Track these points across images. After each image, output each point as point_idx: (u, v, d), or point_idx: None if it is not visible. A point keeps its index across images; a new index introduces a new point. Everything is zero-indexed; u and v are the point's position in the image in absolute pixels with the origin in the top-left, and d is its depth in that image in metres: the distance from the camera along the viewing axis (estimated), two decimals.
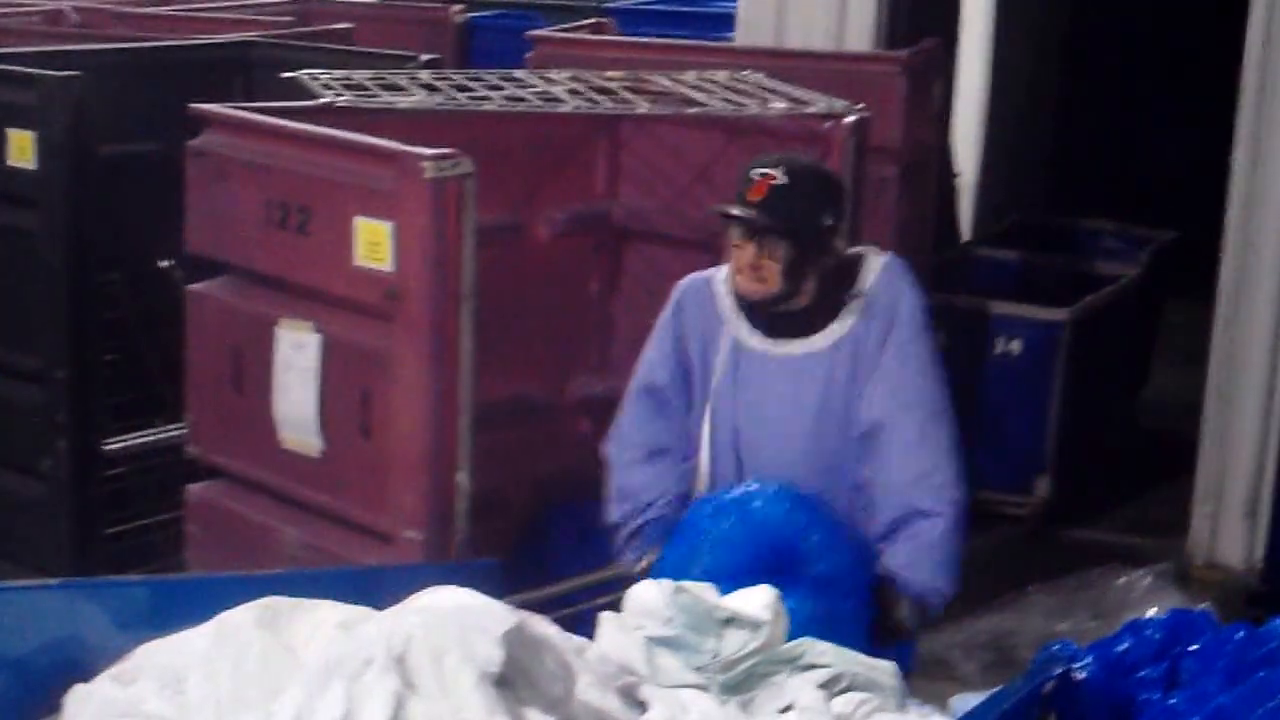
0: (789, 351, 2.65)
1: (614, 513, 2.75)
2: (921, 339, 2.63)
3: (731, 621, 2.15)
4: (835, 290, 2.65)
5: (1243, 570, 4.29)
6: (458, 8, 5.58)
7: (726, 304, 2.70)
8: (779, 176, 2.57)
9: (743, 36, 4.84)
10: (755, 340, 2.67)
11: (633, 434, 2.77)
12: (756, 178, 2.58)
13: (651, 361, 2.76)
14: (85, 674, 2.07)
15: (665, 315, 2.76)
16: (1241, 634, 2.29)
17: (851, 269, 2.68)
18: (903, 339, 2.61)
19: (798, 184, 2.58)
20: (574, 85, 3.53)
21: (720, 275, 2.72)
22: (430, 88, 3.41)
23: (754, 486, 2.51)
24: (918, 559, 2.56)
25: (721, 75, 3.75)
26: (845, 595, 2.44)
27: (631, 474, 2.74)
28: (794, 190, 2.57)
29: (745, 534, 2.41)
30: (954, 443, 2.62)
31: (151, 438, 3.77)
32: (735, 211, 2.58)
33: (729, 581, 2.25)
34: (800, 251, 2.58)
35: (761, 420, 2.67)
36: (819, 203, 2.61)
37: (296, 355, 3.05)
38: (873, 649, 2.31)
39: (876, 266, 2.66)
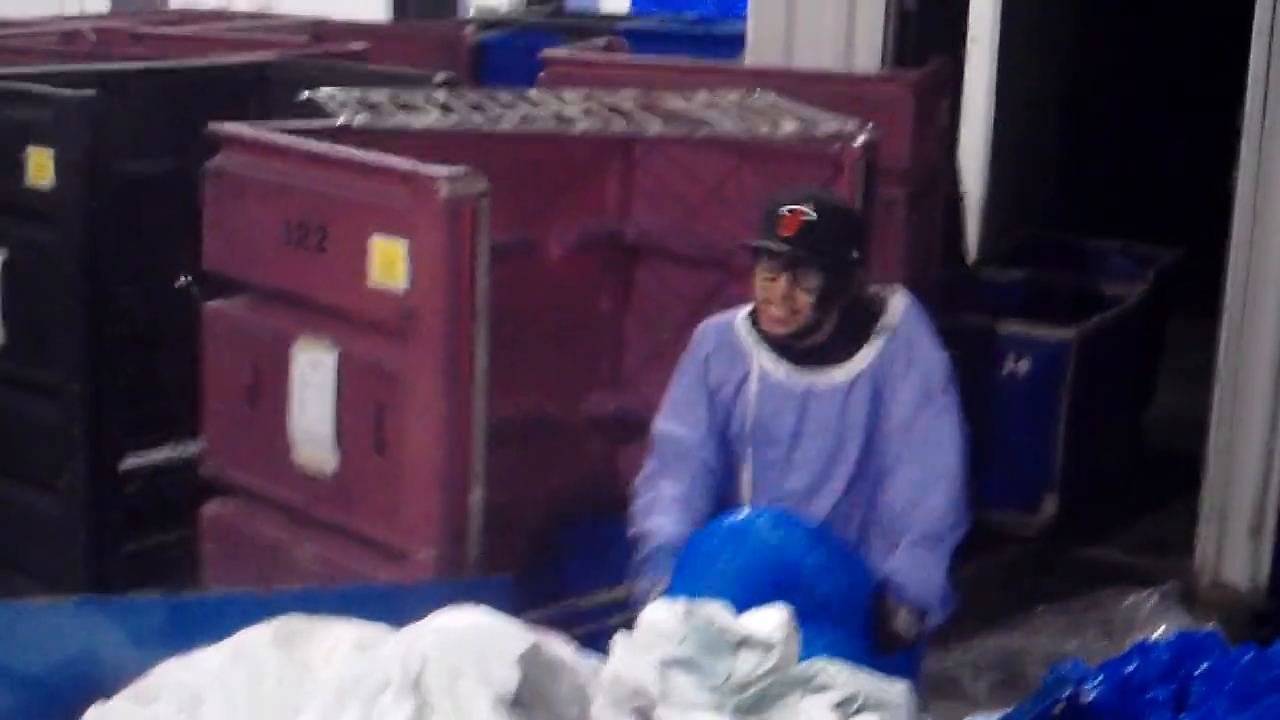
0: (812, 382, 2.71)
1: (631, 529, 2.79)
2: (949, 392, 2.69)
3: (745, 643, 2.16)
4: (856, 324, 2.72)
5: (1248, 589, 4.29)
6: (471, 28, 5.62)
7: (749, 341, 2.76)
8: (809, 212, 2.63)
9: (753, 57, 4.86)
10: (780, 373, 2.73)
11: (654, 476, 2.80)
12: (786, 213, 2.63)
13: (671, 405, 2.81)
14: (103, 692, 2.08)
15: (688, 360, 2.81)
16: (1249, 656, 2.32)
17: (872, 305, 2.74)
18: (932, 392, 2.68)
19: (826, 219, 2.65)
20: (587, 105, 3.55)
21: (740, 315, 2.77)
22: (445, 108, 3.44)
23: (751, 513, 2.57)
24: (917, 570, 2.64)
25: (732, 96, 3.78)
26: (845, 619, 2.48)
27: (645, 499, 2.78)
28: (824, 225, 2.64)
29: (746, 562, 2.46)
30: (967, 483, 2.70)
31: (167, 454, 3.79)
32: (773, 246, 2.64)
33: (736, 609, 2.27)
34: (830, 283, 2.65)
35: (786, 448, 2.72)
36: (847, 237, 2.69)
37: (312, 373, 3.07)
38: (874, 662, 2.35)
39: (899, 307, 2.74)
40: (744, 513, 2.60)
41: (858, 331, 2.71)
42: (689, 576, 2.50)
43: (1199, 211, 5.66)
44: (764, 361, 2.74)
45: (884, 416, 2.68)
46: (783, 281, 2.64)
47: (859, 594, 2.56)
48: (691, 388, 2.79)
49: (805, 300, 2.64)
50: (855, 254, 2.68)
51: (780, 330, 2.68)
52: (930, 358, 2.70)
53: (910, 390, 2.67)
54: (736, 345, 2.76)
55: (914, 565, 2.63)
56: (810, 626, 2.33)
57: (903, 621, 2.61)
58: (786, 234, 2.62)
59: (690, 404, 2.78)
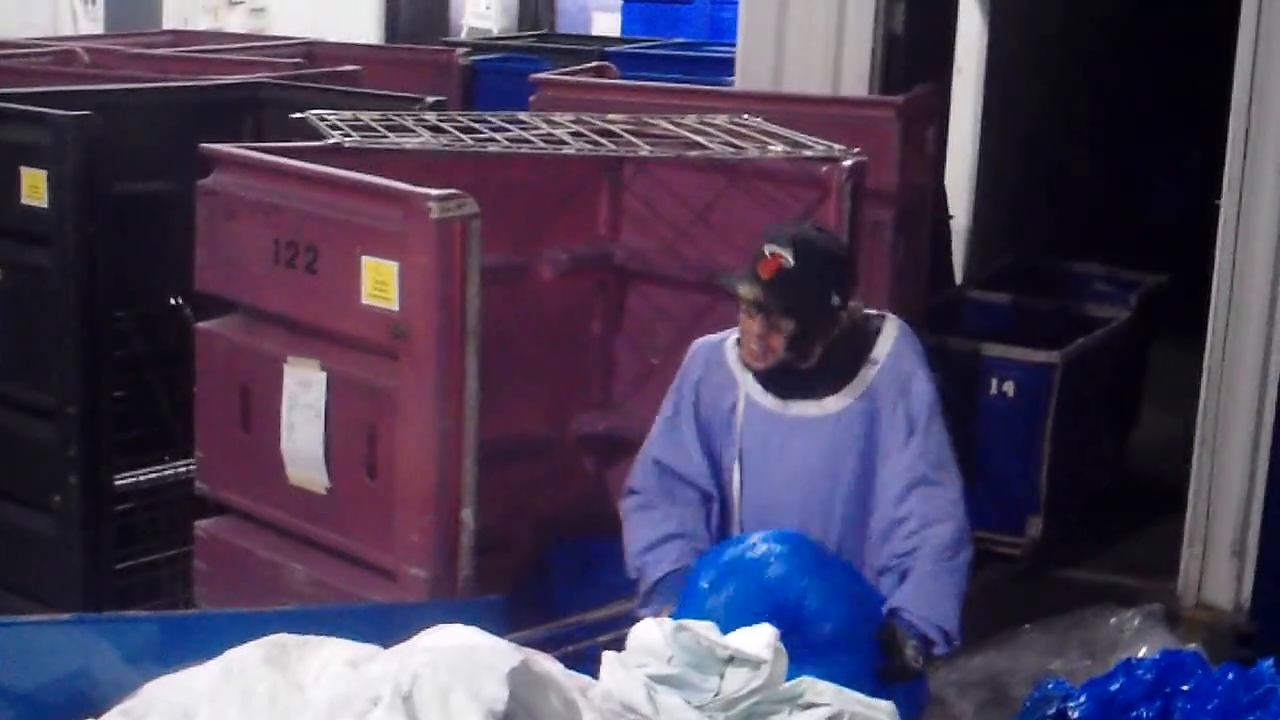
0: (801, 413, 2.71)
1: (630, 569, 2.79)
2: (938, 419, 2.69)
3: (733, 660, 2.19)
4: (847, 354, 2.71)
5: (1231, 610, 4.33)
6: (463, 50, 5.66)
7: (737, 367, 2.76)
8: (788, 259, 2.60)
9: (742, 81, 4.91)
10: (768, 401, 2.73)
11: (642, 494, 2.81)
12: (768, 255, 2.62)
13: (661, 428, 2.82)
14: (95, 709, 2.10)
15: (679, 384, 2.82)
16: (1231, 675, 2.35)
17: (864, 334, 2.73)
18: (922, 423, 2.67)
19: (807, 266, 2.61)
20: (577, 128, 3.58)
21: (732, 338, 2.78)
22: (436, 129, 3.46)
23: (753, 545, 2.54)
24: (926, 604, 2.64)
25: (721, 119, 3.80)
26: (850, 651, 2.48)
27: (642, 528, 2.79)
28: (803, 273, 2.61)
29: (747, 599, 2.45)
30: (968, 508, 2.71)
31: (160, 474, 3.80)
32: (742, 291, 2.64)
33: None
34: (804, 327, 2.64)
35: (775, 477, 2.72)
36: (827, 284, 2.64)
37: (303, 393, 3.09)
38: (881, 692, 2.36)
39: (891, 336, 2.72)
40: (744, 544, 2.55)
41: (847, 362, 2.70)
42: (693, 611, 2.49)
43: (1183, 236, 5.73)
44: (751, 390, 2.74)
45: (877, 449, 2.68)
46: (758, 321, 2.64)
47: (865, 625, 2.56)
48: (681, 416, 2.79)
49: (778, 341, 2.64)
50: (836, 300, 2.64)
51: (757, 364, 2.69)
52: (920, 390, 2.68)
53: (902, 424, 2.66)
54: (726, 371, 2.76)
55: (923, 598, 2.63)
56: (814, 662, 2.33)
57: (911, 653, 2.60)
58: (763, 276, 2.61)
59: (680, 432, 2.78)
